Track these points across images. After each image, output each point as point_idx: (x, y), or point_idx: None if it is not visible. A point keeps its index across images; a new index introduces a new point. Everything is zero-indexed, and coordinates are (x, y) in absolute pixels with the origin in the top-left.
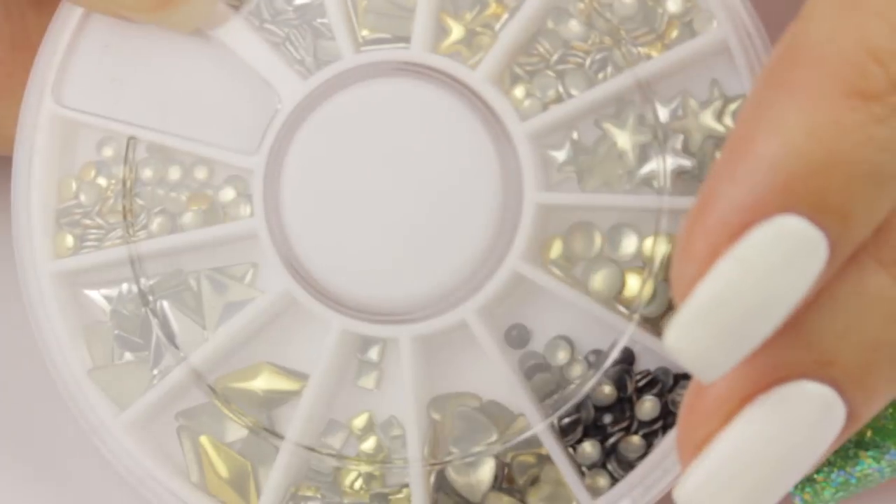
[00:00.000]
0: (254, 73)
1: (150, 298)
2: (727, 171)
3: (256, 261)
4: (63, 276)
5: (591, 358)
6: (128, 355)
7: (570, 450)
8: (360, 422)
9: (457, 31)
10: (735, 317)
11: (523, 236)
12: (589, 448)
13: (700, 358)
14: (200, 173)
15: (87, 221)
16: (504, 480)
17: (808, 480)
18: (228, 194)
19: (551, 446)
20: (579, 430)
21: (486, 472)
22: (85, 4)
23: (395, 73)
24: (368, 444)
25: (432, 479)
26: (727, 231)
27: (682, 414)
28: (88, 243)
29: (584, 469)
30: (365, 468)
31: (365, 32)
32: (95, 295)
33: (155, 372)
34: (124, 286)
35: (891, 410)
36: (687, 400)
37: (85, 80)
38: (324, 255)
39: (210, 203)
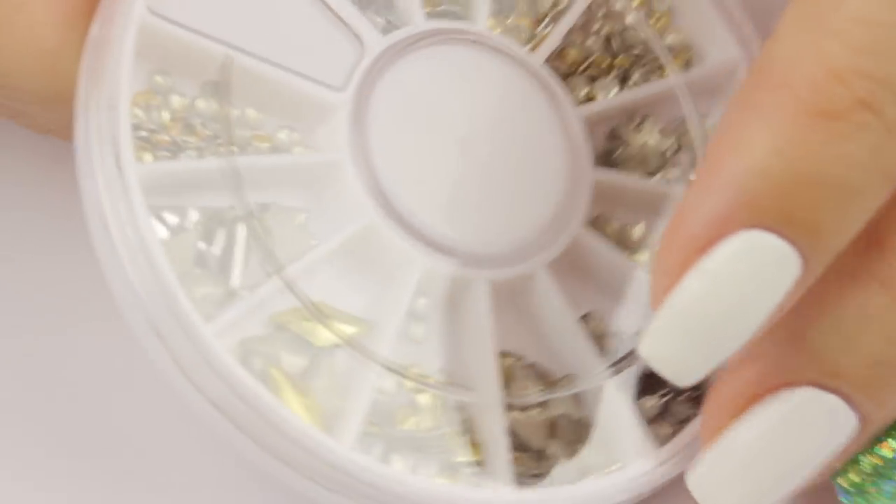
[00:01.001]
0: (338, 21)
1: (234, 218)
2: (697, 189)
3: (332, 196)
4: (145, 188)
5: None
6: (203, 272)
7: (630, 404)
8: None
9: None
10: (702, 327)
11: (587, 205)
12: (651, 401)
13: (670, 365)
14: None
15: (165, 138)
16: (558, 432)
17: (859, 492)
18: (290, 134)
19: (613, 399)
20: (638, 386)
21: (545, 421)
22: None
23: (467, 43)
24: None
25: (500, 421)
26: (695, 245)
27: (704, 405)
28: (165, 158)
29: (645, 421)
30: (428, 412)
31: (428, 9)
32: (176, 210)
33: (236, 287)
34: (198, 207)
35: None
36: (710, 393)
37: None
38: (410, 191)
39: (274, 140)
